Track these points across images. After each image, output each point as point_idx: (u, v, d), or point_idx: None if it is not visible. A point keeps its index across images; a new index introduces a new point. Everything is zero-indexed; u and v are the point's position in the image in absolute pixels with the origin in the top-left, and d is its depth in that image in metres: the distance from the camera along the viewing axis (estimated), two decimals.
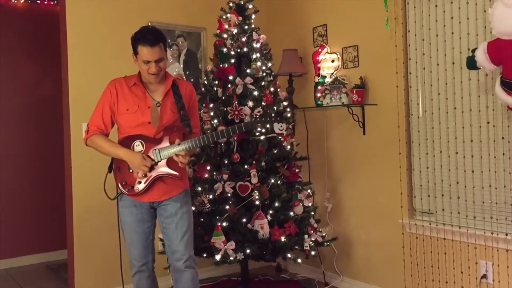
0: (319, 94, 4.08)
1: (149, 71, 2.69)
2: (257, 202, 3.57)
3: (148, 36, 2.66)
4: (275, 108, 3.79)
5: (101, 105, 2.80)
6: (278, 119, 2.75)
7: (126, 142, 2.75)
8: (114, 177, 2.81)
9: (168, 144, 2.71)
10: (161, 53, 2.68)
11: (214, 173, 3.63)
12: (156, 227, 2.94)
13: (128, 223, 2.82)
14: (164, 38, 2.75)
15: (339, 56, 4.11)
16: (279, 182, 3.70)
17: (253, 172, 3.60)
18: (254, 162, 3.64)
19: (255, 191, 3.58)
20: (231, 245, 3.45)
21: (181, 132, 2.77)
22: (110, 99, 2.78)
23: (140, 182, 2.72)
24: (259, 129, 3.65)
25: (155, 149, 2.71)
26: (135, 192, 2.74)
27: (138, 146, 2.72)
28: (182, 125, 2.78)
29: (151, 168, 2.70)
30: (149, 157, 2.70)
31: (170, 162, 2.73)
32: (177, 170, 2.76)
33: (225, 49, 3.77)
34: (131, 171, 2.73)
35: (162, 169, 2.72)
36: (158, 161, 2.71)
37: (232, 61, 3.75)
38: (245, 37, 3.77)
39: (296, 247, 3.65)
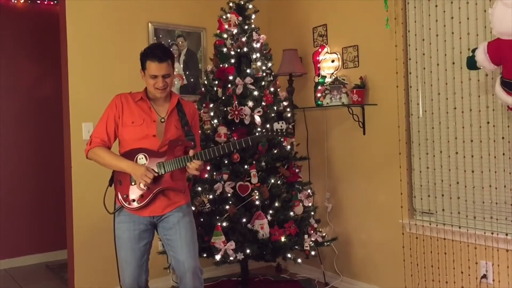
0: (319, 94, 4.08)
1: (156, 86, 2.70)
2: (257, 202, 3.57)
3: (157, 51, 2.68)
4: (275, 108, 3.80)
5: (105, 118, 2.78)
6: (283, 132, 2.77)
7: (129, 155, 2.72)
8: (114, 191, 2.77)
9: (172, 157, 2.69)
10: (169, 69, 2.70)
11: (214, 173, 3.63)
12: (152, 247, 2.88)
13: (124, 239, 2.75)
14: (173, 56, 2.77)
15: (339, 56, 4.11)
16: (279, 182, 3.70)
17: (253, 172, 3.60)
18: (254, 162, 3.64)
19: (255, 191, 3.58)
20: (231, 245, 3.45)
21: (185, 146, 2.76)
22: (115, 111, 2.76)
23: (142, 196, 2.69)
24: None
25: (159, 162, 2.69)
26: (136, 206, 2.70)
27: (141, 159, 2.70)
28: (187, 139, 2.77)
29: (154, 181, 2.67)
30: (153, 170, 2.67)
31: (174, 176, 2.71)
32: (180, 184, 2.75)
33: (225, 49, 3.77)
34: (133, 183, 2.69)
35: (164, 183, 2.70)
36: (162, 174, 2.69)
37: (232, 61, 3.75)
38: (245, 37, 3.77)
39: (296, 247, 3.65)
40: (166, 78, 2.71)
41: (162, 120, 2.77)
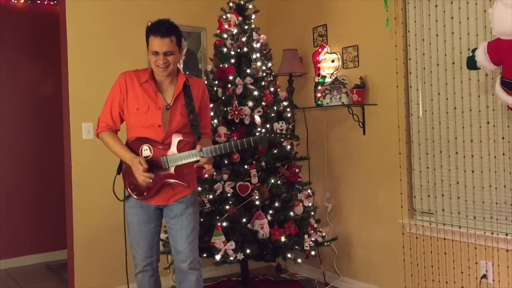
0: (319, 94, 4.08)
1: (156, 63, 2.62)
2: (257, 202, 3.57)
3: (160, 26, 2.60)
4: (275, 108, 3.80)
5: (110, 101, 2.75)
6: (294, 136, 2.78)
7: (135, 145, 2.71)
8: (122, 179, 2.79)
9: (175, 150, 2.67)
10: (171, 46, 2.60)
11: (214, 173, 3.63)
12: (161, 228, 2.94)
13: (133, 223, 2.80)
14: (178, 33, 2.67)
15: (339, 56, 4.11)
16: (279, 182, 3.70)
17: (253, 172, 3.60)
18: (254, 162, 3.64)
19: (255, 191, 3.58)
20: (231, 245, 3.45)
21: (189, 139, 2.74)
22: (119, 95, 2.72)
23: (148, 188, 2.70)
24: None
25: (163, 156, 2.67)
26: (143, 196, 2.73)
27: (146, 150, 2.68)
28: (191, 130, 2.73)
29: (157, 175, 2.67)
30: (154, 163, 2.66)
31: (178, 169, 2.70)
32: (184, 176, 2.73)
33: (225, 49, 3.77)
34: None
35: (169, 177, 2.69)
36: (165, 168, 2.67)
37: (232, 61, 3.75)
38: (245, 37, 3.77)
39: (296, 247, 3.65)
40: (168, 55, 2.61)
41: (168, 107, 2.71)
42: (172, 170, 2.68)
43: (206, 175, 3.61)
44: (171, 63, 2.65)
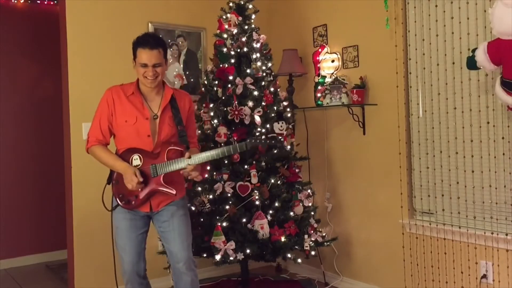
0: (319, 94, 4.08)
1: (145, 74, 2.68)
2: (257, 202, 3.57)
3: (148, 39, 2.67)
4: (275, 108, 3.80)
5: (99, 116, 2.80)
6: (278, 139, 2.81)
7: (125, 155, 2.76)
8: (112, 189, 2.83)
9: (165, 158, 2.71)
10: (159, 58, 2.67)
11: (214, 173, 3.63)
12: (150, 234, 2.95)
13: (121, 229, 2.82)
14: (165, 45, 2.75)
15: (339, 56, 4.11)
16: (279, 182, 3.70)
17: (253, 172, 3.60)
18: (254, 162, 3.64)
19: (255, 191, 3.58)
20: (231, 245, 3.45)
21: (178, 148, 2.77)
22: (107, 110, 2.77)
23: (136, 196, 2.74)
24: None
25: (152, 165, 2.71)
26: (132, 205, 2.76)
27: (136, 160, 2.73)
28: (179, 140, 2.78)
29: (147, 183, 2.71)
30: (144, 172, 2.70)
31: (166, 177, 2.74)
32: (173, 183, 2.77)
33: (225, 49, 3.77)
34: None
35: (158, 185, 2.73)
36: (155, 176, 2.72)
37: (232, 61, 3.75)
38: (245, 37, 3.77)
39: (296, 247, 3.65)
40: (156, 67, 2.67)
41: (155, 117, 2.76)
42: (161, 178, 2.73)
43: (206, 175, 3.62)
44: (159, 74, 2.71)
